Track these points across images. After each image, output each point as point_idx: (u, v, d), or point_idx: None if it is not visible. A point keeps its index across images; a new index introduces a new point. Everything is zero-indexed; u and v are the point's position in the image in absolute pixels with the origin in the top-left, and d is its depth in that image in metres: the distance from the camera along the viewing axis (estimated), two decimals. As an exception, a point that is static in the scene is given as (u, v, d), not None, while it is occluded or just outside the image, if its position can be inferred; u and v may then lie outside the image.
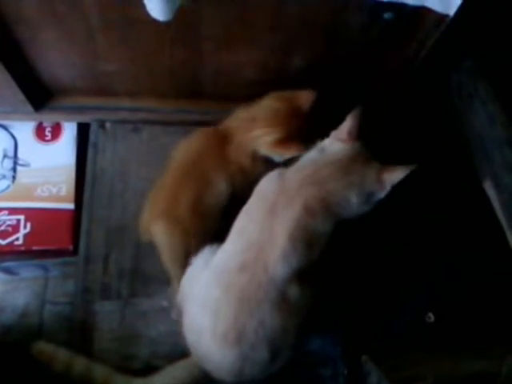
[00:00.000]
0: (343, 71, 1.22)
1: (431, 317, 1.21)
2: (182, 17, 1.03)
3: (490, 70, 1.18)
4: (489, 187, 1.11)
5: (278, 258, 0.91)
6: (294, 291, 0.94)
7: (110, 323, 1.20)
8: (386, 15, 1.06)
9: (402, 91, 1.26)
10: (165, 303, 1.21)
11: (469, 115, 1.17)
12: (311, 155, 1.02)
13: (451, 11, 0.94)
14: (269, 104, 1.15)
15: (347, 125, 0.98)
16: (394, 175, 0.93)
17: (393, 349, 1.14)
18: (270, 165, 1.12)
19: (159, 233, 1.14)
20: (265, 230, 0.94)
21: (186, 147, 1.21)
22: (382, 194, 0.96)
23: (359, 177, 0.95)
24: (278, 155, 1.13)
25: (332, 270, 1.11)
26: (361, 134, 0.99)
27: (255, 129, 1.12)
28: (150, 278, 1.25)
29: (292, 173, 0.99)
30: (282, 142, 1.10)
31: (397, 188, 0.95)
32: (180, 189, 1.14)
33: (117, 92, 1.33)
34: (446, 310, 1.22)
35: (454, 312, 1.21)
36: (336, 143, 0.99)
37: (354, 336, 1.20)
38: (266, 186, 0.99)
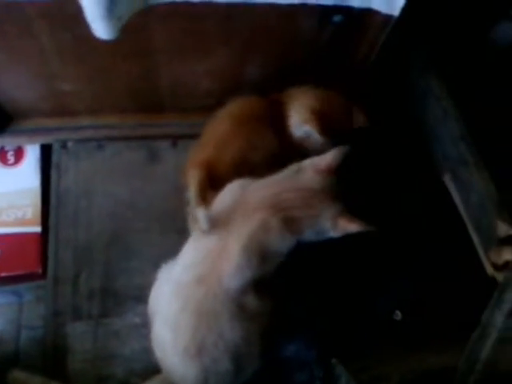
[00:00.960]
0: (299, 77, 1.22)
1: (399, 314, 1.22)
2: (133, 32, 1.03)
3: (442, 67, 1.19)
4: (448, 181, 1.12)
5: (231, 271, 0.91)
6: (251, 301, 0.94)
7: (82, 345, 1.19)
8: (336, 18, 1.07)
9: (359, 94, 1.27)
10: (137, 320, 1.20)
11: (424, 112, 1.19)
12: (283, 174, 1.01)
13: (396, 12, 0.96)
14: None
15: (329, 158, 0.97)
16: (349, 226, 0.92)
17: (362, 349, 1.14)
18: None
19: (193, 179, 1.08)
20: (220, 242, 0.93)
21: (242, 103, 1.19)
22: (335, 235, 0.96)
23: (317, 212, 0.94)
24: None
25: (296, 276, 1.11)
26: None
27: None
28: (121, 296, 1.24)
29: (256, 188, 0.98)
30: None
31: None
32: (229, 139, 1.13)
33: (77, 111, 1.32)
34: (413, 306, 1.23)
35: (420, 309, 1.22)
36: (311, 171, 0.98)
37: (326, 338, 1.20)
38: (226, 196, 0.99)
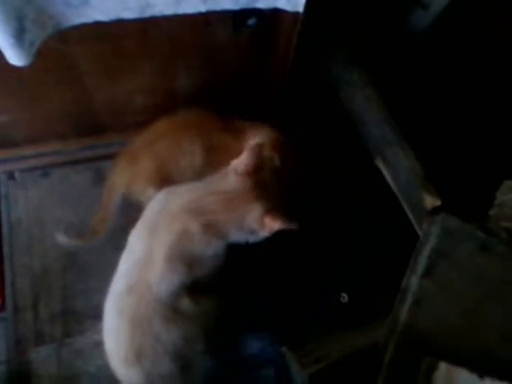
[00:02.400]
0: (226, 83, 1.26)
1: (345, 297, 1.25)
2: (58, 58, 1.07)
3: (362, 57, 1.23)
4: (380, 163, 1.16)
5: (158, 278, 0.94)
6: (185, 304, 0.96)
7: (47, 368, 1.21)
8: (250, 22, 1.10)
9: (288, 90, 1.31)
10: (98, 337, 1.22)
11: (350, 101, 1.23)
12: (207, 179, 1.03)
13: (300, 8, 1.00)
14: None
15: (244, 159, 0.98)
16: (275, 224, 0.93)
17: (312, 334, 1.17)
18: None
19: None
20: (147, 251, 0.96)
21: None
22: (264, 235, 0.97)
23: (241, 214, 0.96)
24: None
25: (243, 270, 1.14)
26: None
27: None
28: (81, 316, 1.26)
29: (178, 194, 1.00)
30: None
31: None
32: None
33: (19, 141, 1.34)
34: (358, 288, 1.27)
35: (364, 290, 1.25)
36: (232, 174, 0.99)
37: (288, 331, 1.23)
38: (152, 206, 1.02)
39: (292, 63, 1.21)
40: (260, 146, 0.98)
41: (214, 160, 1.18)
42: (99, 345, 1.18)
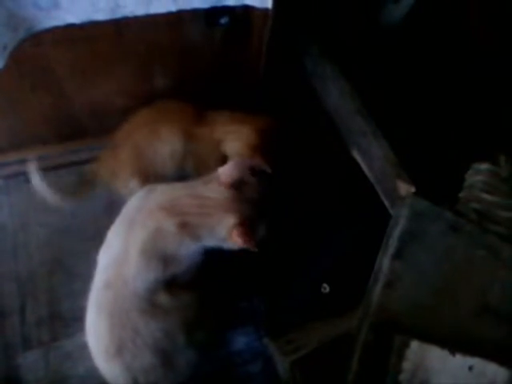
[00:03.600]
0: (203, 81, 1.27)
1: (326, 287, 1.27)
2: (34, 62, 1.08)
3: (334, 51, 1.25)
4: (356, 154, 1.17)
5: (133, 273, 0.95)
6: (163, 299, 0.98)
7: (35, 372, 1.21)
8: (222, 20, 1.12)
9: (263, 86, 1.32)
10: (85, 339, 1.22)
11: (325, 94, 1.25)
12: (190, 182, 1.05)
13: (268, 4, 1.02)
14: None
15: (228, 170, 1.00)
16: (239, 240, 0.94)
17: (293, 324, 1.19)
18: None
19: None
20: (123, 247, 0.98)
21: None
22: (234, 247, 0.98)
23: (214, 221, 0.97)
24: None
25: (221, 269, 1.15)
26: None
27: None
28: (68, 319, 1.27)
29: (158, 193, 1.02)
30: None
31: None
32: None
33: (0, 148, 1.35)
34: (338, 278, 1.28)
35: (344, 280, 1.27)
36: (216, 182, 1.00)
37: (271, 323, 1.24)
38: (132, 201, 1.03)
39: (266, 59, 1.22)
40: (245, 161, 1.02)
41: (193, 150, 1.20)
42: (87, 346, 1.19)
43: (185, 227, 0.95)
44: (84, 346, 1.16)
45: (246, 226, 0.94)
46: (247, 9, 1.08)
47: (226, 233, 0.96)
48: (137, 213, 0.99)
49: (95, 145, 1.40)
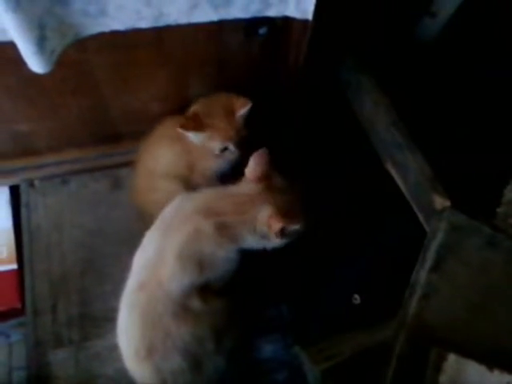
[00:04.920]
0: (239, 90, 1.29)
1: (357, 298, 1.27)
2: (76, 66, 1.10)
3: (370, 63, 1.26)
4: (390, 167, 1.18)
5: (169, 276, 0.97)
6: (195, 304, 0.99)
7: (65, 370, 1.23)
8: (261, 30, 1.14)
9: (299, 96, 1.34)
10: (115, 340, 1.24)
11: (359, 105, 1.26)
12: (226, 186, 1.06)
13: (309, 16, 1.03)
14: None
15: (252, 166, 1.02)
16: (279, 224, 0.95)
17: (323, 333, 1.19)
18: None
19: None
20: (159, 250, 0.99)
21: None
22: (276, 240, 0.99)
23: (252, 216, 0.98)
24: None
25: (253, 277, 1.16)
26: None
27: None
28: (99, 320, 1.29)
29: (194, 198, 1.04)
30: None
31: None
32: None
33: (38, 150, 1.39)
34: (370, 290, 1.28)
35: (376, 292, 1.27)
36: (244, 179, 1.03)
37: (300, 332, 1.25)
38: (168, 209, 1.05)
39: (303, 69, 1.24)
40: (263, 154, 1.01)
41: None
42: (117, 348, 1.20)
43: (222, 228, 0.97)
44: (114, 347, 1.18)
45: (284, 211, 0.95)
46: (286, 20, 1.09)
47: (264, 225, 0.96)
48: (173, 218, 1.01)
49: (129, 149, 1.42)
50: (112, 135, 1.39)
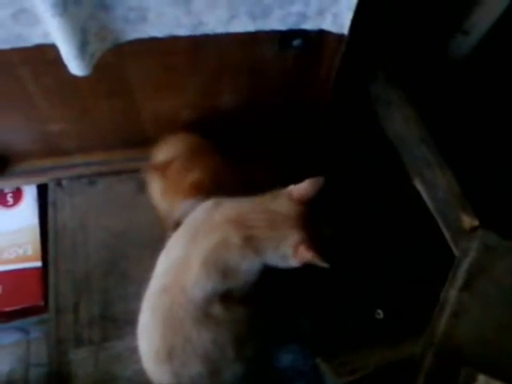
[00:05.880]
0: (270, 102, 1.30)
1: (381, 313, 1.26)
2: (111, 71, 1.12)
3: (401, 78, 1.27)
4: (418, 183, 1.18)
5: (193, 282, 0.97)
6: (217, 311, 0.99)
7: (84, 369, 1.24)
8: (295, 42, 1.15)
9: (328, 111, 1.34)
10: (135, 342, 1.25)
11: (389, 121, 1.26)
12: (259, 197, 1.05)
13: (345, 30, 1.04)
14: None
15: (303, 188, 1.00)
16: (307, 255, 0.94)
17: (345, 348, 1.18)
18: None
19: None
20: (185, 254, 1.00)
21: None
22: (294, 264, 0.98)
23: (281, 237, 0.97)
24: None
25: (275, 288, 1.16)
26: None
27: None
28: (119, 321, 1.30)
29: (226, 206, 1.03)
30: None
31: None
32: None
33: (68, 150, 1.41)
34: (394, 306, 1.28)
35: (400, 308, 1.26)
36: (285, 197, 1.01)
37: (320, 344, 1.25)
38: (197, 213, 1.05)
39: (334, 83, 1.24)
40: (319, 181, 1.00)
41: None
42: (136, 350, 1.21)
43: (250, 241, 0.96)
44: (133, 350, 1.18)
45: (313, 242, 0.94)
46: (321, 33, 1.10)
47: (290, 249, 0.96)
48: (202, 223, 1.01)
49: (156, 154, 1.44)
50: (141, 139, 1.40)
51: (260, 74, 1.24)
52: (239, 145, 1.41)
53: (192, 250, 0.99)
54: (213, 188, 1.15)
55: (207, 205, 1.05)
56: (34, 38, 0.96)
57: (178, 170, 1.22)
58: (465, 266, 0.97)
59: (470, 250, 0.98)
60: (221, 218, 1.00)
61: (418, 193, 1.21)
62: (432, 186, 1.14)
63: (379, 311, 1.27)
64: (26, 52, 1.01)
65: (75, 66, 0.94)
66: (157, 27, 0.98)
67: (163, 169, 1.23)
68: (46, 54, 1.03)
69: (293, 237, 0.96)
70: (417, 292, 1.14)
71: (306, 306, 1.29)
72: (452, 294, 0.96)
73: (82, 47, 0.91)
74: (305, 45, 1.16)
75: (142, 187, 1.43)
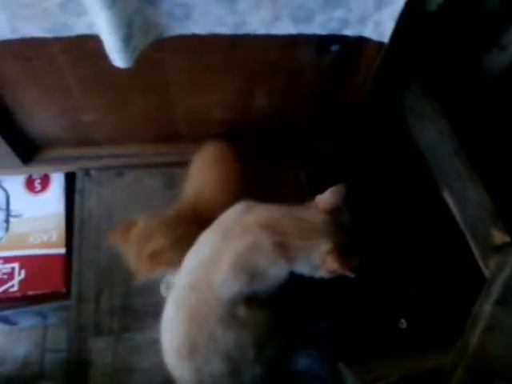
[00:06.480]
0: (303, 104, 1.30)
1: (404, 323, 1.26)
2: (148, 65, 1.13)
3: (436, 90, 1.26)
4: (447, 196, 1.18)
5: (221, 281, 0.97)
6: (241, 312, 0.99)
7: (103, 359, 1.25)
8: (333, 48, 1.15)
9: (359, 118, 1.34)
10: (156, 336, 1.25)
11: (421, 132, 1.26)
12: (293, 206, 1.06)
13: (385, 38, 1.04)
14: None
15: (326, 197, 1.01)
16: (334, 265, 0.94)
17: (367, 355, 1.18)
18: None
19: None
20: (215, 254, 1.00)
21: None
22: (322, 274, 0.99)
23: (310, 246, 0.98)
24: None
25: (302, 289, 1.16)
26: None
27: None
28: (140, 313, 1.30)
29: (260, 210, 1.04)
30: None
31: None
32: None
33: (98, 141, 1.42)
34: (417, 316, 1.27)
35: (423, 318, 1.26)
36: (316, 207, 1.02)
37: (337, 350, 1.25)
38: (230, 213, 1.06)
39: (368, 91, 1.24)
40: (340, 189, 1.01)
41: None
42: (155, 343, 1.22)
43: (281, 247, 0.97)
44: (153, 342, 1.19)
45: (342, 251, 0.94)
46: (360, 40, 1.10)
47: (318, 259, 0.96)
48: (234, 224, 1.02)
49: (186, 150, 1.44)
50: (171, 135, 1.42)
51: (295, 78, 1.24)
52: (265, 147, 1.42)
53: (222, 250, 0.99)
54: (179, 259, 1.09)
55: (240, 206, 1.06)
56: (78, 28, 0.97)
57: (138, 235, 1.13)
58: (500, 280, 0.97)
59: (506, 265, 0.97)
60: (253, 220, 1.00)
61: (445, 205, 1.20)
62: (462, 200, 1.14)
63: (402, 321, 1.27)
64: (68, 42, 1.02)
65: (118, 59, 0.95)
66: (200, 24, 0.99)
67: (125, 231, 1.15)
68: (87, 45, 1.04)
69: (321, 247, 0.97)
70: (441, 303, 1.14)
71: (326, 311, 1.29)
72: (486, 308, 0.95)
73: (127, 40, 0.92)
74: (342, 51, 1.16)
75: (169, 182, 1.45)
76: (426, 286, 1.30)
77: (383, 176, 1.37)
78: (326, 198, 1.01)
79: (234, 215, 1.05)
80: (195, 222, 1.13)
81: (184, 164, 1.38)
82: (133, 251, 1.13)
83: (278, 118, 1.36)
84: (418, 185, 1.34)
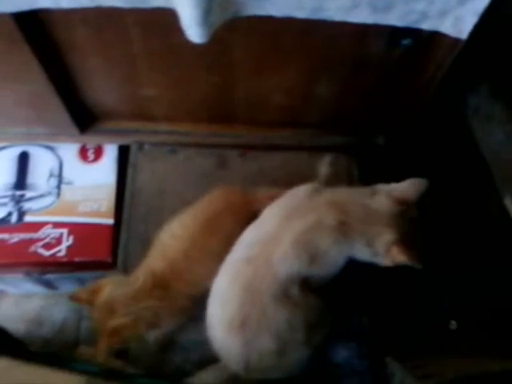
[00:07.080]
0: (365, 97, 1.29)
1: (454, 324, 1.25)
2: (217, 44, 1.12)
3: (507, 93, 1.24)
4: (509, 203, 1.15)
5: (281, 257, 0.98)
6: (296, 293, 1.00)
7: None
8: (405, 41, 1.13)
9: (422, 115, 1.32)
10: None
11: (486, 136, 1.23)
12: (357, 190, 1.07)
13: (463, 35, 1.01)
14: None
15: (408, 189, 1.02)
16: (400, 256, 0.94)
17: (415, 352, 1.17)
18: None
19: None
20: (276, 230, 1.01)
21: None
22: (384, 262, 0.99)
23: (374, 233, 0.98)
24: None
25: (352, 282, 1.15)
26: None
27: None
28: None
29: (327, 192, 1.05)
30: None
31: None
32: None
33: (155, 116, 1.43)
34: (469, 318, 1.26)
35: (475, 320, 1.24)
36: (385, 195, 1.02)
37: (380, 347, 1.24)
38: (298, 192, 1.06)
39: (436, 88, 1.22)
40: (422, 183, 1.00)
41: None
42: (196, 321, 1.22)
43: (344, 226, 0.97)
44: (194, 319, 1.20)
45: (407, 243, 0.93)
46: (434, 35, 1.07)
47: (383, 247, 0.96)
48: (301, 202, 1.02)
49: (240, 133, 1.45)
50: (228, 116, 1.42)
51: (361, 69, 1.23)
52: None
53: (285, 227, 1.00)
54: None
55: (309, 186, 1.07)
56: (155, 0, 0.97)
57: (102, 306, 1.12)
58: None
59: None
60: (320, 200, 1.01)
61: (505, 211, 1.18)
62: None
63: (453, 322, 1.26)
64: (142, 14, 1.02)
65: (194, 33, 0.95)
66: (278, 6, 0.98)
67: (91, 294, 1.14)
68: (161, 19, 1.04)
69: (387, 236, 0.96)
70: (493, 307, 1.12)
71: (371, 306, 1.28)
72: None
73: (205, 15, 0.92)
74: (413, 45, 1.14)
75: (221, 163, 1.45)
76: (481, 291, 1.28)
77: (442, 175, 1.35)
78: (403, 188, 1.00)
79: (302, 194, 1.05)
80: (162, 296, 1.14)
81: (236, 147, 1.38)
82: (95, 321, 1.13)
83: (337, 108, 1.35)
84: (477, 188, 1.32)
